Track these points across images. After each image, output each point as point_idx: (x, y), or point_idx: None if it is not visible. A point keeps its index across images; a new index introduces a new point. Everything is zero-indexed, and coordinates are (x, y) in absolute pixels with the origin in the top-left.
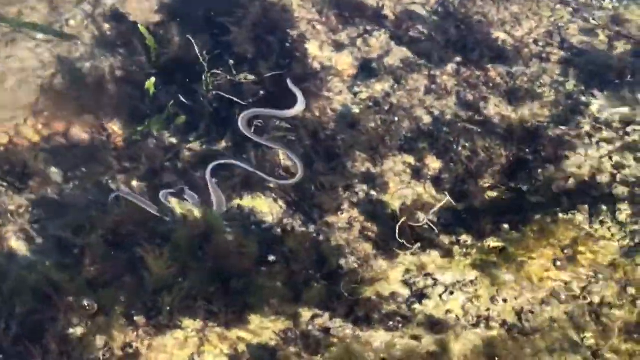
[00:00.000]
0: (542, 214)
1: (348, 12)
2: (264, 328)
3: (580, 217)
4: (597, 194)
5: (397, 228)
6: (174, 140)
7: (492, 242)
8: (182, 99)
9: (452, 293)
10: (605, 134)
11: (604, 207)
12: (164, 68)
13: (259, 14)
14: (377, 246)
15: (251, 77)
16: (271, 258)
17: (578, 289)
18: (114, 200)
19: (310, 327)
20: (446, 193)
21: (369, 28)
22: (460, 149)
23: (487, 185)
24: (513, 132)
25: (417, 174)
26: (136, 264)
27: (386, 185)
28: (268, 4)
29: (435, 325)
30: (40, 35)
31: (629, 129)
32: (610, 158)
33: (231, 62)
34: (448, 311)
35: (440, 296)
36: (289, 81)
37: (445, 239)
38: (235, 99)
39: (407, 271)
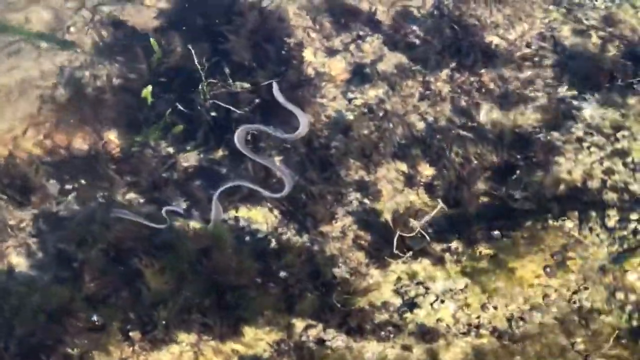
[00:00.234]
0: (533, 220)
1: (341, 18)
2: (257, 339)
3: (569, 224)
4: (588, 199)
5: (395, 240)
6: (171, 149)
7: (483, 249)
8: (180, 107)
9: (442, 302)
10: (596, 139)
11: (594, 214)
12: (162, 76)
13: (257, 22)
14: (370, 255)
15: (247, 86)
16: None
17: (568, 295)
18: (115, 217)
19: (303, 338)
20: (439, 200)
21: (361, 33)
22: (452, 155)
23: (478, 191)
24: (504, 138)
25: (409, 181)
26: (133, 278)
27: (379, 193)
28: (266, 12)
29: (426, 334)
30: (44, 44)
31: (618, 135)
32: (601, 163)
33: (227, 70)
34: (439, 320)
35: (431, 305)
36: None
37: (436, 247)
38: (232, 108)
39: (399, 279)
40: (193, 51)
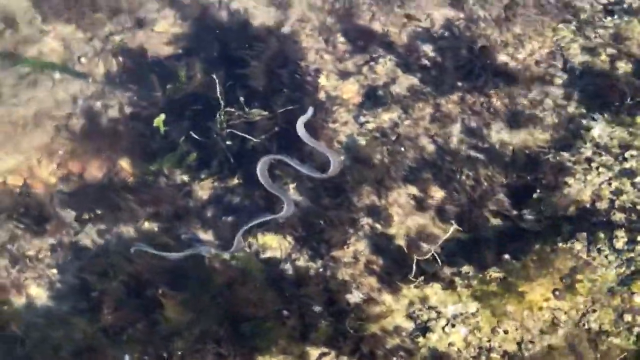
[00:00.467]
0: (542, 243)
1: (354, 39)
2: None
3: (578, 246)
4: (596, 220)
5: (414, 265)
6: (185, 177)
7: (494, 273)
8: (194, 135)
9: (454, 325)
10: (605, 159)
11: (602, 235)
12: (177, 104)
13: (277, 48)
14: (382, 280)
15: (264, 113)
16: None
17: (576, 317)
18: (136, 250)
19: None
20: (453, 222)
21: (374, 55)
22: (463, 177)
23: (489, 213)
24: (514, 160)
25: (420, 204)
26: (151, 309)
27: (390, 218)
28: (282, 37)
29: (438, 358)
30: (57, 75)
31: (627, 154)
32: (610, 184)
33: (241, 98)
34: (450, 344)
35: (443, 329)
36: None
37: (447, 270)
38: (248, 137)
39: (411, 304)
40: (217, 80)
